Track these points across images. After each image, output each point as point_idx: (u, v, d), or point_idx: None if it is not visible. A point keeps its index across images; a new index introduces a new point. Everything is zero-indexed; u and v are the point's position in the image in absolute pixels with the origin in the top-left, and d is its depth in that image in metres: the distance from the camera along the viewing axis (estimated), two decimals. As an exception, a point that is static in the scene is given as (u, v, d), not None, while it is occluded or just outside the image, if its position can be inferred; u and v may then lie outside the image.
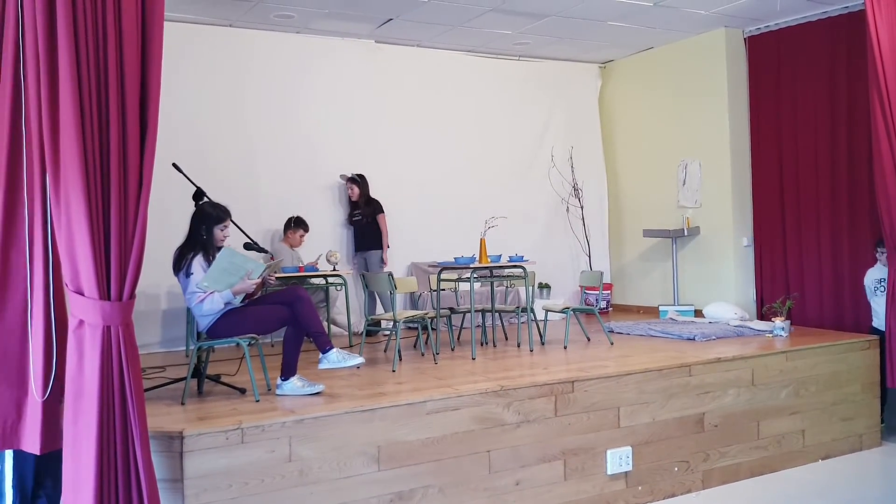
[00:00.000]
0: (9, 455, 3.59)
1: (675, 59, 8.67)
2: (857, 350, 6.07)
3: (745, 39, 8.15)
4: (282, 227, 7.55)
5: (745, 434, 5.41)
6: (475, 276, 6.12)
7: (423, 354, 6.07)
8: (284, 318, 4.55)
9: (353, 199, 7.97)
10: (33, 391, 3.36)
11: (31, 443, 3.42)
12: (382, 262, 7.89)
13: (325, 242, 7.81)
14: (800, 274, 7.60)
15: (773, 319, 6.58)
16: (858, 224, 7.12)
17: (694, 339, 6.35)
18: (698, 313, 7.96)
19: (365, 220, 7.91)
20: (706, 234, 8.36)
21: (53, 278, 3.39)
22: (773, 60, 7.86)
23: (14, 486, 3.61)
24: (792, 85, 7.68)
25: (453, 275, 6.76)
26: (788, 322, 6.58)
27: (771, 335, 6.45)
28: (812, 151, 7.50)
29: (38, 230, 3.39)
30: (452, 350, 6.29)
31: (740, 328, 6.78)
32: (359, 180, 7.93)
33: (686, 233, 8.40)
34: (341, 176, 8.07)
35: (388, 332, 6.92)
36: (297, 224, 7.51)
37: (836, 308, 7.25)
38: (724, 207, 8.16)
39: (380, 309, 7.70)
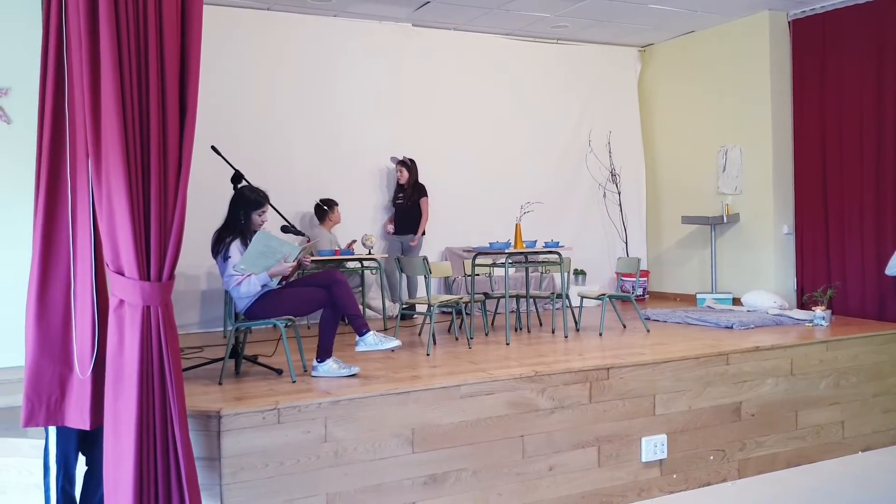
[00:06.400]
0: (52, 431, 3.66)
1: (717, 42, 8.52)
2: (900, 341, 5.96)
3: (789, 23, 7.98)
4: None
5: (782, 424, 5.35)
6: (510, 261, 6.11)
7: (457, 339, 6.08)
8: (321, 300, 4.59)
9: (401, 182, 7.95)
10: (77, 369, 3.43)
11: (77, 419, 3.49)
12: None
13: (361, 226, 7.84)
14: (841, 263, 7.46)
15: (813, 309, 6.48)
16: (903, 213, 6.97)
17: (732, 328, 6.28)
18: (737, 301, 7.87)
19: (408, 204, 7.90)
20: (746, 221, 8.23)
21: (96, 259, 3.44)
22: (817, 44, 7.69)
23: (58, 462, 3.69)
24: (837, 69, 7.51)
25: (488, 260, 6.75)
26: (829, 312, 6.47)
27: (811, 324, 6.35)
28: (857, 138, 7.33)
29: (81, 211, 3.44)
30: (486, 335, 6.29)
31: (779, 317, 6.68)
32: (409, 164, 7.91)
33: (725, 220, 8.28)
34: (392, 158, 8.08)
35: (417, 315, 6.89)
36: (329, 205, 7.50)
37: (879, 298, 7.11)
38: (764, 194, 8.02)
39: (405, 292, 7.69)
